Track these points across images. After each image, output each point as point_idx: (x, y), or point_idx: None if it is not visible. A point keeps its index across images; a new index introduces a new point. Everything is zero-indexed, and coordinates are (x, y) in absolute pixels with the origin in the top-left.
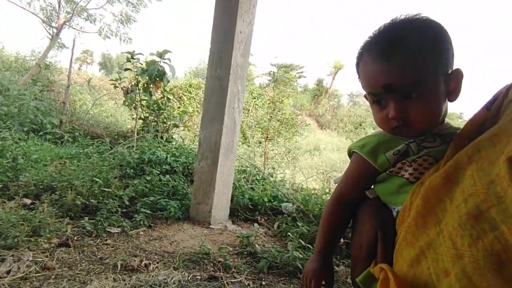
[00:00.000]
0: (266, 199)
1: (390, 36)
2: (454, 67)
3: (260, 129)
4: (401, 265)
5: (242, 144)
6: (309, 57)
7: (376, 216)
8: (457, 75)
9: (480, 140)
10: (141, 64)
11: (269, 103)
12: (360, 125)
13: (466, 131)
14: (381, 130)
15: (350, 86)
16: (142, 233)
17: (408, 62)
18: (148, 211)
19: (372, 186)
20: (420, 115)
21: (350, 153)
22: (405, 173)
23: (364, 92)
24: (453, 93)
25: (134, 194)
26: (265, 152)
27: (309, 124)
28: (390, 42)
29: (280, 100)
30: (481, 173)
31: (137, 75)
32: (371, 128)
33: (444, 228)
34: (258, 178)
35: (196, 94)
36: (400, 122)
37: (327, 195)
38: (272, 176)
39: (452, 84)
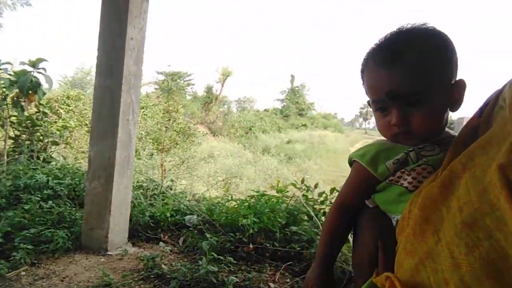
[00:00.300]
0: (168, 214)
1: (395, 44)
2: (458, 77)
3: (151, 140)
4: (402, 275)
5: None
6: (197, 64)
7: (376, 225)
8: (460, 86)
9: (473, 147)
10: (10, 75)
11: (163, 113)
12: (250, 129)
13: (461, 139)
14: (381, 138)
15: (238, 92)
16: (23, 273)
17: (412, 70)
18: (29, 246)
19: (372, 196)
20: (421, 123)
21: (351, 162)
22: (404, 182)
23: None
24: (455, 103)
25: (9, 229)
26: (162, 164)
27: (206, 133)
28: (395, 49)
29: (176, 109)
30: (475, 181)
31: (4, 87)
32: (260, 132)
33: (442, 237)
34: (156, 192)
35: (75, 107)
36: (402, 129)
37: (230, 202)
38: (171, 189)
39: (455, 94)
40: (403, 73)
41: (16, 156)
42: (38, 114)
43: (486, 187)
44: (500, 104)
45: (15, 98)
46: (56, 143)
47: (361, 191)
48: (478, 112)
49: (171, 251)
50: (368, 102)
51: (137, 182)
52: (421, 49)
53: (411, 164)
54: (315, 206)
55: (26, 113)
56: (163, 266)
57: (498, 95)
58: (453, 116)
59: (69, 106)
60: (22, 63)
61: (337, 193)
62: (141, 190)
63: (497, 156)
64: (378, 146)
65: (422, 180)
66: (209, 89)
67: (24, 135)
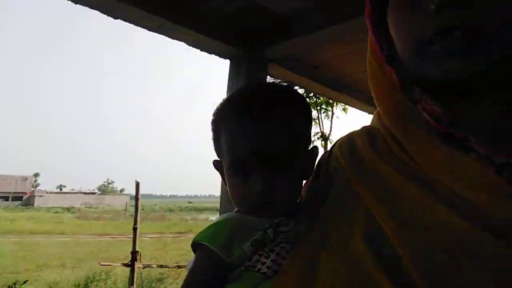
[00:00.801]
0: None
1: (264, 98)
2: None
3: None
4: None
5: None
6: None
7: None
8: (315, 153)
9: (322, 219)
10: None
11: None
12: None
13: (306, 207)
14: (230, 213)
15: None
16: None
17: (283, 129)
18: None
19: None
20: (286, 191)
21: (196, 246)
22: (262, 267)
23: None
24: (309, 171)
25: None
26: None
27: None
28: (265, 104)
29: None
30: (338, 257)
31: None
32: None
33: None
34: None
35: None
36: (265, 199)
37: None
38: None
39: (311, 161)
40: (274, 131)
41: None
42: None
43: (356, 259)
44: (334, 166)
45: None
46: None
47: (213, 283)
48: (314, 176)
49: None
50: (215, 162)
51: None
52: (291, 108)
53: (269, 244)
54: None
55: None
56: None
57: (329, 156)
58: None
59: None
60: None
61: None
62: None
63: (355, 223)
64: (231, 224)
65: (282, 262)
66: None
67: None
